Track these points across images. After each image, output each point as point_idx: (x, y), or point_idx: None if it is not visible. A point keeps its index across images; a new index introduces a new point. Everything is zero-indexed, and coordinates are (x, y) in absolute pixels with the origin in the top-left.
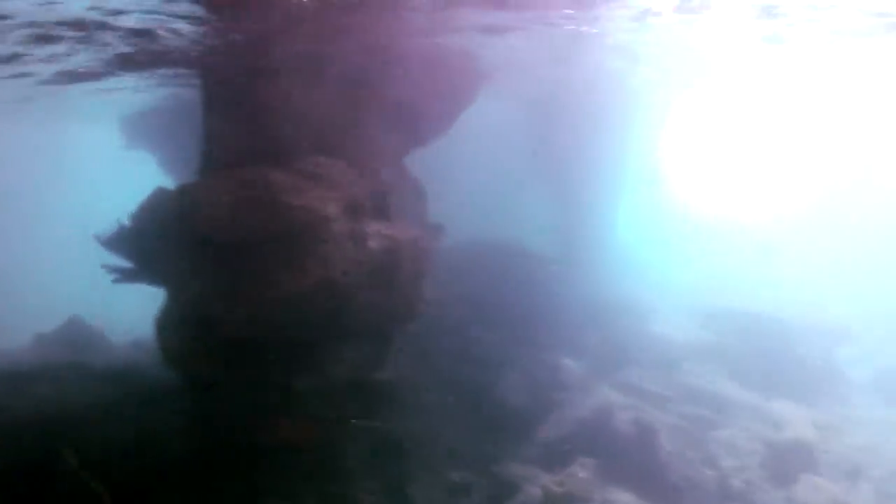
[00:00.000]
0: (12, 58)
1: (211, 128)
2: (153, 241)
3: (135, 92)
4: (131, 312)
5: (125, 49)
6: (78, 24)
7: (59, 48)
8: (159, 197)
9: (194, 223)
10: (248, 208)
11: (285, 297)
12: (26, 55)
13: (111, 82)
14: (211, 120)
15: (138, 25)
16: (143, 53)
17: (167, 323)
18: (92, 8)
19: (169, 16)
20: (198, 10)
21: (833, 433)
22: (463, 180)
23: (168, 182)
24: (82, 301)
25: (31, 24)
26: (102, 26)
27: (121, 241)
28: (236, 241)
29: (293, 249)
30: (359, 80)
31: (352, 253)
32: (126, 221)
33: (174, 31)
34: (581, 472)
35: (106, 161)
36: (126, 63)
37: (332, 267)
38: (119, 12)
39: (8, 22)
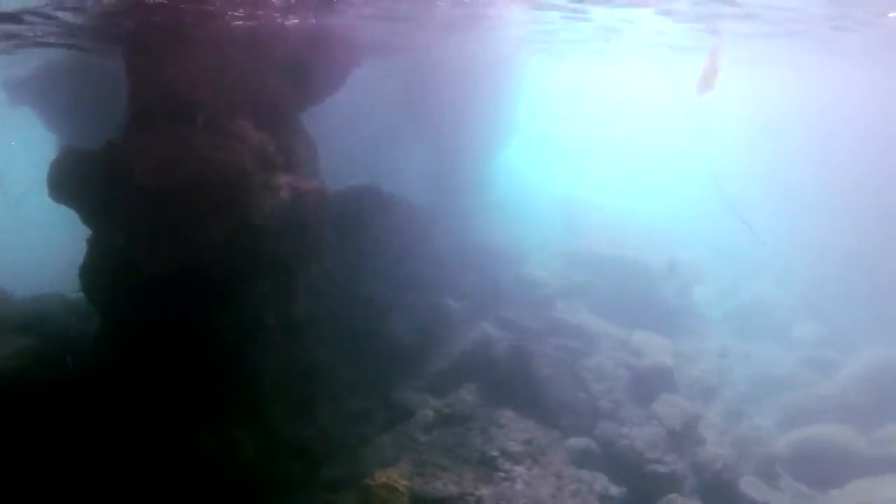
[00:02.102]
0: None
1: (130, 90)
2: (79, 191)
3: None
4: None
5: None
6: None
7: None
8: (73, 153)
9: (126, 174)
10: (177, 162)
11: (209, 241)
12: None
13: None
14: (130, 83)
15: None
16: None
17: (92, 268)
18: None
19: None
20: None
21: (688, 360)
22: (348, 135)
23: (51, 139)
24: None
25: None
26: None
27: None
28: (165, 192)
29: (217, 199)
30: (261, 47)
31: (268, 201)
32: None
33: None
34: (467, 395)
35: None
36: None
37: (253, 214)
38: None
39: None
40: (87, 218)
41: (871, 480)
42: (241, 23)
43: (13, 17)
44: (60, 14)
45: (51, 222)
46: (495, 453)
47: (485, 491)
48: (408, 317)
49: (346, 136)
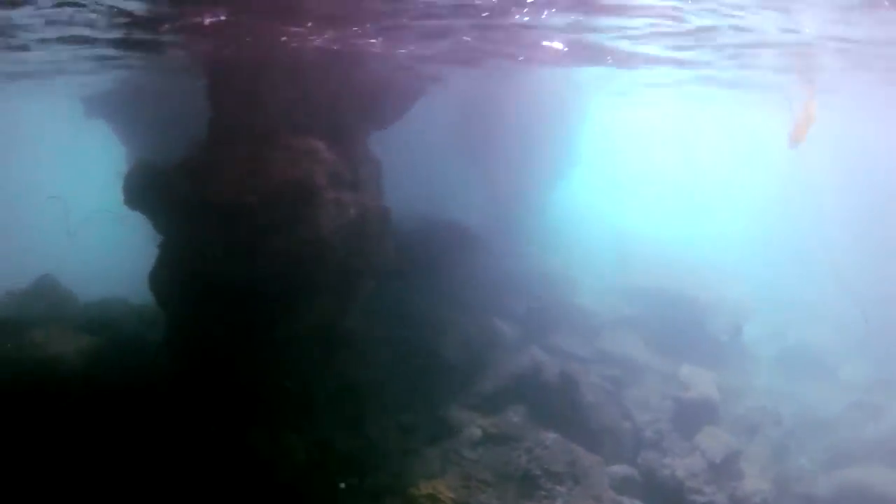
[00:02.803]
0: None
1: (211, 107)
2: (155, 200)
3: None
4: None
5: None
6: None
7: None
8: (149, 164)
9: (204, 187)
10: (253, 177)
11: (279, 253)
12: None
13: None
14: (213, 103)
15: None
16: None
17: (163, 274)
18: None
19: None
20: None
21: (734, 396)
22: (413, 160)
23: (122, 151)
24: (50, 264)
25: None
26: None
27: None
28: (240, 205)
29: (288, 213)
30: (338, 70)
31: (336, 217)
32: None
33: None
34: (514, 416)
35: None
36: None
37: (322, 228)
38: None
39: None
40: (162, 226)
41: None
42: (320, 45)
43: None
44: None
45: (117, 233)
46: (538, 472)
47: None
48: (460, 337)
49: (411, 161)
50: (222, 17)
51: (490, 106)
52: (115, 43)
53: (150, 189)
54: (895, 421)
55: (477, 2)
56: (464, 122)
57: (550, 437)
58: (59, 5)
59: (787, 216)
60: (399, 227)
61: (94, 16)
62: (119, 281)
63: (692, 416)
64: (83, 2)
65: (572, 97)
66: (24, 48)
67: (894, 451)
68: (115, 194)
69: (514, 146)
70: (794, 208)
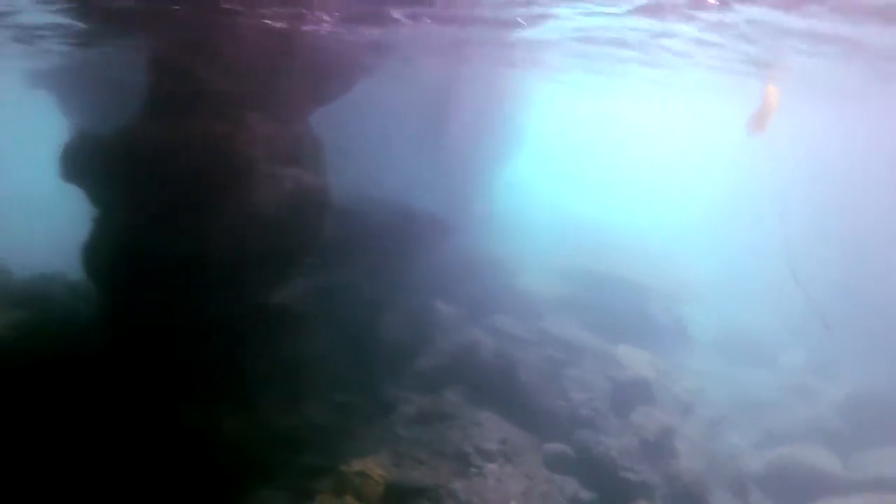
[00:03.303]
0: None
1: (147, 77)
2: (89, 172)
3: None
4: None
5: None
6: None
7: None
8: (86, 135)
9: (137, 157)
10: (186, 147)
11: (213, 226)
12: None
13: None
14: (149, 75)
15: None
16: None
17: (96, 247)
18: None
19: None
20: None
21: (670, 376)
22: (360, 146)
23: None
24: None
25: None
26: None
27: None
28: (173, 175)
29: (222, 185)
30: (276, 46)
31: (271, 191)
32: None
33: None
34: (451, 395)
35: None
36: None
37: (256, 201)
38: None
39: None
40: (96, 198)
41: (841, 500)
42: (258, 21)
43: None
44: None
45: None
46: (471, 450)
47: (458, 484)
48: (401, 318)
49: (359, 144)
50: None
51: (438, 91)
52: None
53: (84, 161)
54: (828, 402)
55: None
56: (412, 107)
57: (485, 415)
58: None
59: (735, 206)
60: (343, 206)
61: None
62: (59, 256)
63: (628, 395)
64: None
65: (518, 84)
66: None
67: (826, 429)
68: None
69: (461, 131)
70: (742, 198)
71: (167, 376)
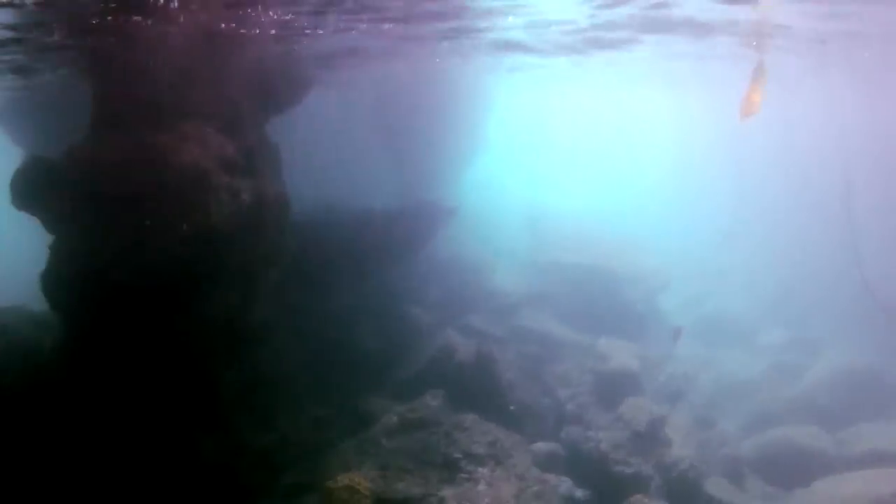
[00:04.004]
0: None
1: (92, 94)
2: (42, 199)
3: None
4: None
5: None
6: None
7: None
8: (38, 161)
9: (86, 179)
10: (137, 165)
11: (169, 244)
12: None
13: None
14: (97, 92)
15: None
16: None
17: (54, 274)
18: None
19: None
20: None
21: (654, 365)
22: (320, 148)
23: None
24: None
25: None
26: None
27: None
28: (123, 194)
29: (176, 201)
30: (225, 55)
31: (228, 204)
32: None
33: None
34: (431, 401)
35: None
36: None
37: (213, 215)
38: None
39: None
40: (51, 225)
41: (836, 478)
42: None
43: None
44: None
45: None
46: (458, 455)
47: (448, 492)
48: (374, 326)
49: (319, 150)
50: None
51: (400, 91)
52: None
53: (34, 187)
54: (813, 379)
55: None
56: (373, 109)
57: (469, 418)
58: None
59: (700, 188)
60: (308, 216)
61: None
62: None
63: (613, 387)
64: None
65: (481, 80)
66: None
67: (812, 406)
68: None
69: (425, 131)
70: (710, 180)
71: (136, 402)
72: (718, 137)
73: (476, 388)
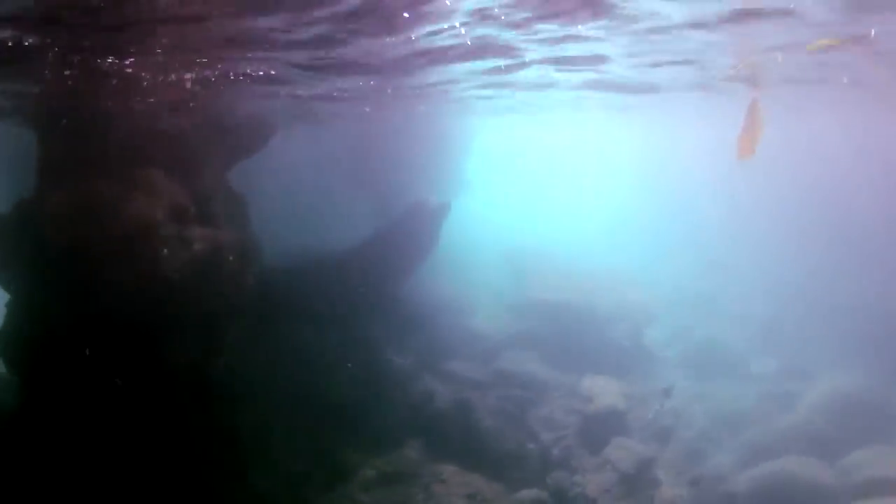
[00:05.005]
0: None
1: (39, 144)
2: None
3: None
4: None
5: None
6: None
7: None
8: None
9: (35, 231)
10: (83, 214)
11: (121, 295)
12: None
13: None
14: (40, 139)
15: None
16: None
17: (9, 334)
18: None
19: None
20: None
21: (642, 402)
22: (293, 194)
23: None
24: None
25: None
26: None
27: None
28: (72, 245)
29: (125, 251)
30: (178, 106)
31: (179, 253)
32: None
33: None
34: (409, 452)
35: None
36: None
37: (162, 265)
38: None
39: None
40: (6, 282)
41: None
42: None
43: None
44: None
45: None
46: None
47: None
48: (351, 374)
49: (291, 195)
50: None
51: (377, 133)
52: None
53: None
54: (807, 407)
55: None
56: (350, 150)
57: (448, 469)
58: None
59: (682, 219)
60: (277, 263)
61: None
62: None
63: (599, 428)
64: None
65: (459, 121)
66: None
67: (809, 436)
68: None
69: (402, 172)
70: (691, 210)
71: (98, 460)
72: (704, 166)
73: (455, 437)
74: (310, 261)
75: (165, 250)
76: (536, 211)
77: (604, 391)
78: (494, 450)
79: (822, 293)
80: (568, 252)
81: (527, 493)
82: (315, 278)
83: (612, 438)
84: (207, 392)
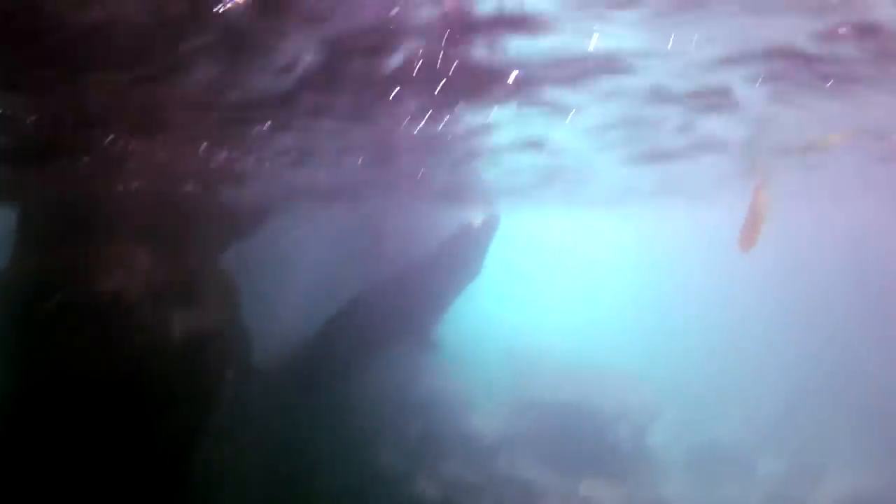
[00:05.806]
0: None
1: (19, 216)
2: None
3: None
4: None
5: None
6: None
7: None
8: None
9: (10, 304)
10: (55, 286)
11: (91, 377)
12: None
13: None
14: (18, 209)
15: None
16: None
17: None
18: None
19: None
20: None
21: None
22: (299, 281)
23: None
24: None
25: None
26: None
27: None
28: (43, 319)
29: (99, 330)
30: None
31: (155, 338)
32: None
33: None
34: None
35: None
36: None
37: (137, 348)
38: None
39: None
40: None
41: None
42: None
43: None
44: None
45: None
46: None
47: None
48: (339, 474)
49: (297, 283)
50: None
51: (383, 224)
52: None
53: None
54: None
55: None
56: (355, 240)
57: None
58: None
59: (685, 317)
60: (266, 355)
61: None
62: None
63: None
64: None
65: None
66: None
67: None
68: None
69: (405, 264)
70: (696, 308)
71: None
72: (705, 258)
73: None
74: (297, 355)
75: (142, 333)
76: (535, 304)
77: (603, 496)
78: None
79: (833, 385)
80: (567, 346)
81: None
82: (305, 372)
83: None
84: (183, 488)
